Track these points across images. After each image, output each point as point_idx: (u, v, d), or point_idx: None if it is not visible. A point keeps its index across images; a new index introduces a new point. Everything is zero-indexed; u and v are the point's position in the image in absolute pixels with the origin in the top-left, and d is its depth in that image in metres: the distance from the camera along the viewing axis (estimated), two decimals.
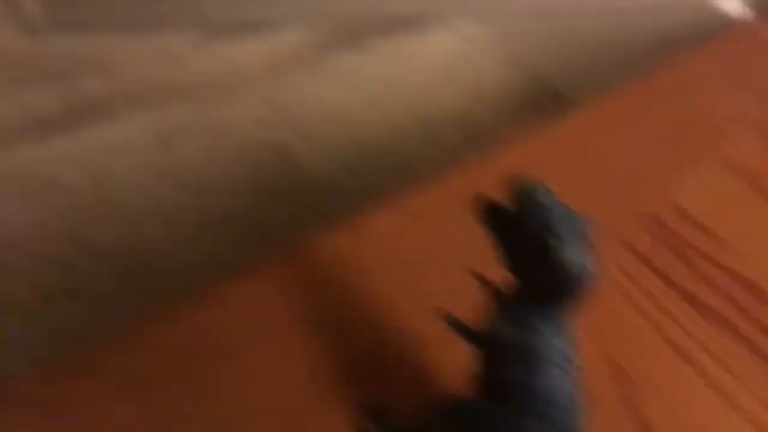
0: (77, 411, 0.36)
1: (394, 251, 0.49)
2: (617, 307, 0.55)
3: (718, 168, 0.72)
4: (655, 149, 0.72)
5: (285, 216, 0.65)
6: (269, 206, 0.71)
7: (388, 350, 0.45)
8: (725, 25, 0.90)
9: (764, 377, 0.53)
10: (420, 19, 0.67)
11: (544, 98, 0.87)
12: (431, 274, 0.48)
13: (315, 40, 0.59)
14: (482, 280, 0.36)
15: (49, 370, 0.38)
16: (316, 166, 0.72)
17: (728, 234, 0.65)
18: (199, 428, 0.38)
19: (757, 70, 0.87)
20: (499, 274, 0.35)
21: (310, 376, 0.43)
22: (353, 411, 0.41)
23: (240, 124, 0.63)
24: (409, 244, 0.50)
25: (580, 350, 0.51)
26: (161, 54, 0.48)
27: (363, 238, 0.51)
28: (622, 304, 0.55)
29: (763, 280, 0.62)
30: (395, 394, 0.42)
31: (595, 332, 0.52)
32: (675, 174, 0.69)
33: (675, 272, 0.59)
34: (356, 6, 0.59)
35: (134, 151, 0.50)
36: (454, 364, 0.37)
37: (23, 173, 0.44)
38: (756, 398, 0.52)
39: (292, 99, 0.67)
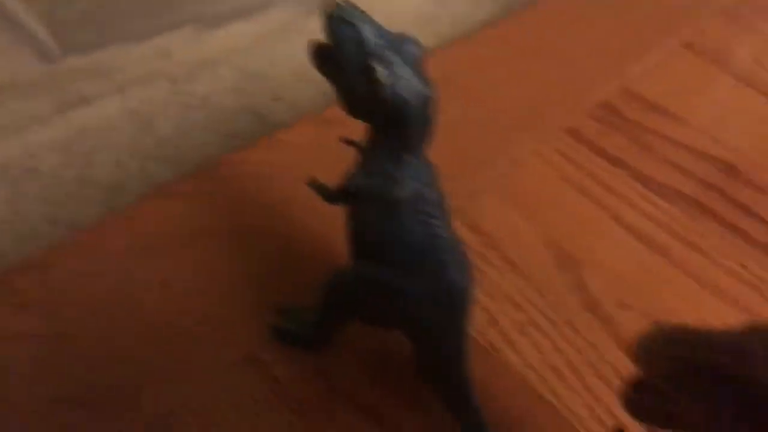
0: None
1: (308, 159, 0.47)
2: (561, 194, 0.52)
3: (676, 50, 0.68)
4: (610, 39, 0.68)
5: None
6: None
7: (304, 251, 0.43)
8: None
9: (733, 248, 0.50)
10: None
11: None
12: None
13: (302, 12, 0.59)
14: (346, 141, 0.34)
15: None
16: (287, 123, 0.72)
17: (690, 114, 0.61)
18: (125, 338, 0.37)
19: None
20: None
21: (229, 285, 0.41)
22: (271, 314, 0.40)
23: (215, 96, 0.63)
24: (322, 153, 0.48)
25: (522, 238, 0.49)
26: (155, 52, 0.49)
27: (279, 150, 0.49)
28: (567, 190, 0.52)
29: (733, 156, 0.58)
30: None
31: (538, 220, 0.49)
32: (629, 60, 0.65)
33: (629, 155, 0.56)
34: None
35: (113, 133, 0.51)
36: None
37: (3, 164, 0.44)
38: (722, 269, 0.49)
39: (265, 64, 0.67)
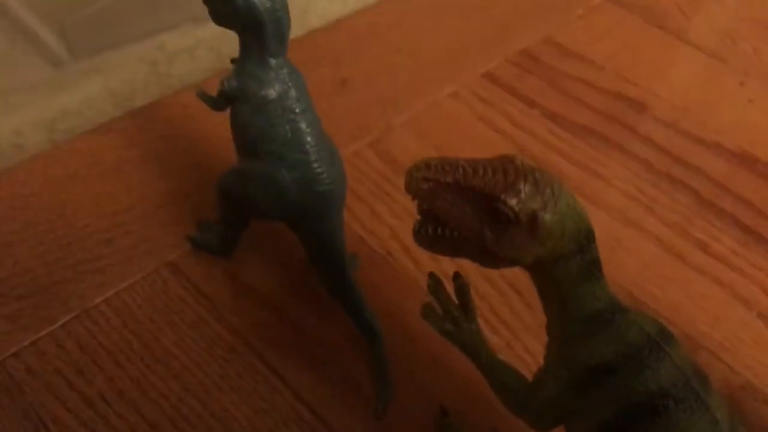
0: None
1: None
2: (473, 130, 0.56)
3: (600, 3, 0.72)
4: None
5: None
6: None
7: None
8: None
9: (632, 175, 0.54)
10: None
11: None
12: None
13: None
14: (232, 60, 0.39)
15: None
16: None
17: (611, 62, 0.65)
18: (59, 247, 0.43)
19: None
20: None
21: (154, 204, 0.47)
22: (190, 228, 0.46)
23: (193, 76, 0.67)
24: None
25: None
26: (150, 50, 0.55)
27: None
28: (479, 127, 0.57)
29: (643, 95, 0.62)
30: None
31: (448, 152, 0.54)
32: (553, 13, 0.70)
33: (541, 96, 0.60)
34: None
35: (93, 112, 0.56)
36: None
37: None
38: (617, 191, 0.53)
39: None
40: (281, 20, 0.35)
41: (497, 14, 0.69)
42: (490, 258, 0.27)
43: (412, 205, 0.51)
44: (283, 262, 0.45)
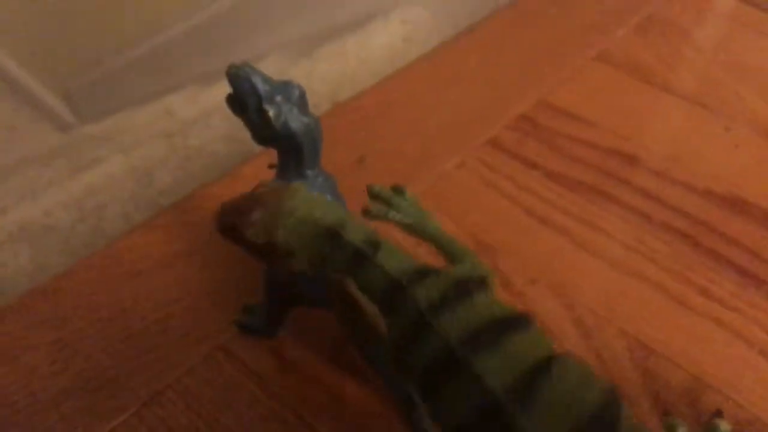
0: None
1: None
2: (482, 196, 0.61)
3: (588, 62, 0.78)
4: (529, 58, 0.78)
5: None
6: None
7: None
8: None
9: (630, 227, 0.59)
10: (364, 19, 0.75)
11: None
12: None
13: (290, 59, 0.68)
14: (270, 166, 0.44)
15: None
16: None
17: (603, 118, 0.71)
18: (120, 340, 0.48)
19: None
20: None
21: (201, 293, 0.52)
22: (236, 312, 0.50)
23: (210, 146, 0.73)
24: None
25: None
26: (159, 115, 0.59)
27: (240, 182, 0.60)
28: (487, 192, 0.62)
29: (636, 149, 0.67)
30: None
31: (460, 220, 0.59)
32: (545, 75, 0.75)
33: (541, 157, 0.66)
34: (311, 25, 0.69)
35: (117, 189, 0.60)
36: None
37: (24, 225, 0.54)
38: (618, 243, 0.57)
39: None
40: (316, 139, 0.40)
41: (492, 82, 0.75)
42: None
43: None
44: (322, 336, 0.49)
